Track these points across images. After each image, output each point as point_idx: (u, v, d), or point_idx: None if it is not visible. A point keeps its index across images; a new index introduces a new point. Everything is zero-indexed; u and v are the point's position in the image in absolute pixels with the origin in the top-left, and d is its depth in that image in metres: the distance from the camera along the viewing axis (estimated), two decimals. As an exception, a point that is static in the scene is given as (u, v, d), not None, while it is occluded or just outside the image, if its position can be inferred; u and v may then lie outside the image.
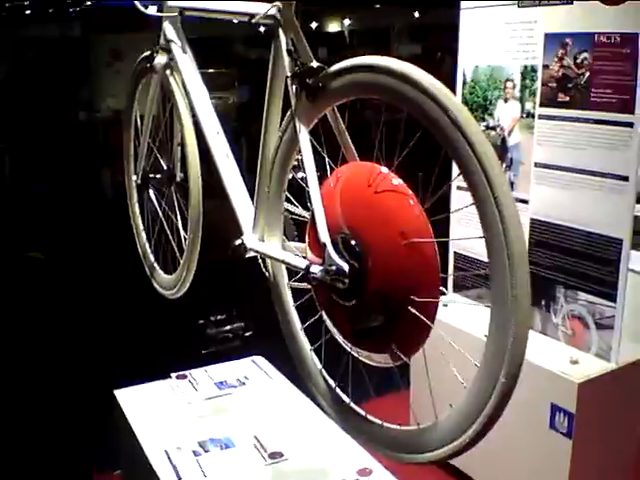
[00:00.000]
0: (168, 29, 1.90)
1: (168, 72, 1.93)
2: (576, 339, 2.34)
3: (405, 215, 1.10)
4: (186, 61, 1.85)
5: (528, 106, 2.41)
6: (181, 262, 1.95)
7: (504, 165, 2.51)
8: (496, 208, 0.96)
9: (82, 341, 3.63)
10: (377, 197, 1.13)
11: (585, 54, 2.19)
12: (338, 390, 1.34)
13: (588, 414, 2.17)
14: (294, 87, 1.33)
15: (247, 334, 1.66)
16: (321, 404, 1.37)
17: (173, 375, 2.21)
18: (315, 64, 1.31)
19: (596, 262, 2.23)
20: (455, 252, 2.80)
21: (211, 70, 6.94)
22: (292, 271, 1.43)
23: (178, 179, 2.06)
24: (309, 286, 1.36)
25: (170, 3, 1.86)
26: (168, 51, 1.92)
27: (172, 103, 1.92)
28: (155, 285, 2.15)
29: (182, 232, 1.96)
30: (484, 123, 2.58)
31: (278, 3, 1.38)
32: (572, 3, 2.20)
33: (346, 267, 1.15)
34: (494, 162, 0.98)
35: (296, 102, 1.33)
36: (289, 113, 1.38)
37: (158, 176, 2.09)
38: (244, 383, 2.14)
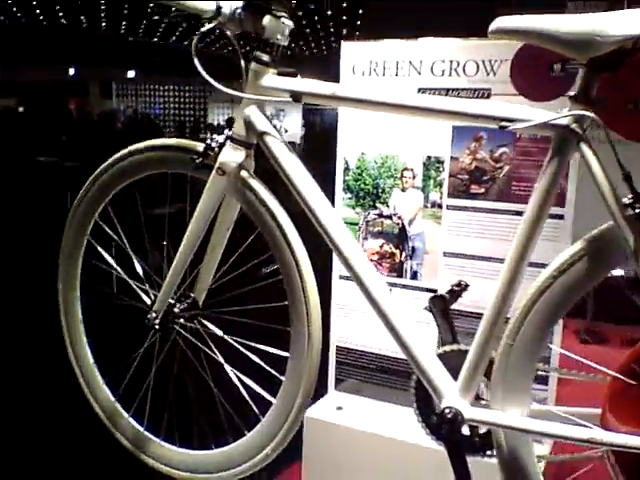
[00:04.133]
0: (256, 116, 1.36)
1: (245, 174, 1.38)
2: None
3: None
4: (297, 165, 1.34)
5: (434, 196, 2.39)
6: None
7: (404, 254, 2.43)
8: None
9: None
10: None
11: (504, 149, 2.28)
12: None
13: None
14: None
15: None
16: None
17: None
18: None
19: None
20: (337, 346, 2.58)
21: None
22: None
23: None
24: None
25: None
26: (247, 145, 1.38)
27: (256, 223, 1.38)
28: (149, 460, 1.49)
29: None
30: (376, 211, 2.46)
31: (582, 112, 1.13)
32: (489, 97, 2.26)
33: None
34: None
35: None
36: (582, 246, 1.14)
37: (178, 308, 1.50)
38: None
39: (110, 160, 1.56)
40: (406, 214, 2.44)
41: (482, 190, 2.32)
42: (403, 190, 2.43)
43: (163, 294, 1.53)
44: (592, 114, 1.15)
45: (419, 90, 2.34)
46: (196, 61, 1.41)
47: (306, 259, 1.43)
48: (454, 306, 2.39)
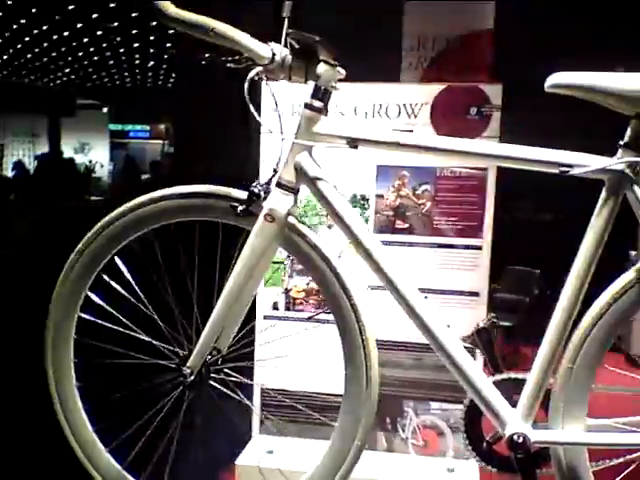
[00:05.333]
0: (307, 162, 1.34)
1: (292, 220, 1.35)
2: (429, 448, 2.50)
3: None
4: (349, 209, 1.36)
5: (360, 232, 2.45)
6: None
7: (333, 291, 2.46)
8: None
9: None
10: None
11: (426, 186, 2.42)
12: None
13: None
14: None
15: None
16: None
17: None
18: None
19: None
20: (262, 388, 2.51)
21: None
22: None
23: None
24: None
25: None
26: (295, 191, 1.35)
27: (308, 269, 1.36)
28: None
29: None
30: (303, 249, 2.46)
31: (636, 159, 1.29)
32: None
33: None
34: None
35: None
36: (634, 275, 1.29)
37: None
38: None
39: (122, 209, 1.42)
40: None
41: (406, 225, 2.44)
42: (329, 227, 2.47)
43: (201, 348, 1.42)
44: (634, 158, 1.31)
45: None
46: (251, 107, 1.37)
47: (361, 300, 1.43)
48: (382, 337, 2.49)
